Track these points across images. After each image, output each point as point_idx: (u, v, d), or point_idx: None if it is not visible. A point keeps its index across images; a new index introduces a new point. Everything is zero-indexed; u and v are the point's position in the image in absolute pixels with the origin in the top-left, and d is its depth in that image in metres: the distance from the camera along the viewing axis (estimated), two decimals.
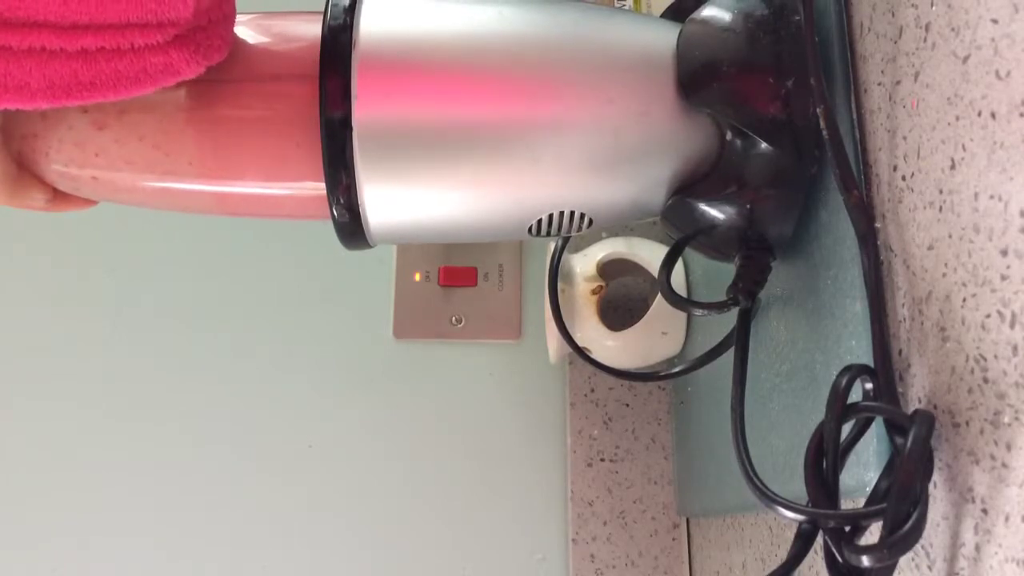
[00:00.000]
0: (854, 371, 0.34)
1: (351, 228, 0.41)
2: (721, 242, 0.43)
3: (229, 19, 0.38)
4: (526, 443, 0.81)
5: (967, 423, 0.30)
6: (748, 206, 0.41)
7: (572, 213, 0.42)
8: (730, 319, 0.48)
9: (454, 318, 0.84)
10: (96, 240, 0.86)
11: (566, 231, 0.43)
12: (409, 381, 0.83)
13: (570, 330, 0.68)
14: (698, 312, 0.49)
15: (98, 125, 0.38)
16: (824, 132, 0.37)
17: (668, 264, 0.46)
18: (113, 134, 0.39)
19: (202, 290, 0.85)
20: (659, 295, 0.71)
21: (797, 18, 0.39)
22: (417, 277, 0.84)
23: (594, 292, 0.71)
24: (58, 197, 0.41)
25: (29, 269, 0.86)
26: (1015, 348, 0.28)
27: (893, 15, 0.36)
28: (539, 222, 0.42)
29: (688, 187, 0.42)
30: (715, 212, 0.42)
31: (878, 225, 0.37)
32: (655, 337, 0.70)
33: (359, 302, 0.85)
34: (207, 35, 0.36)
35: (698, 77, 0.40)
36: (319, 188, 0.40)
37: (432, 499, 0.80)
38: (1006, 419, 0.28)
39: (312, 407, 0.82)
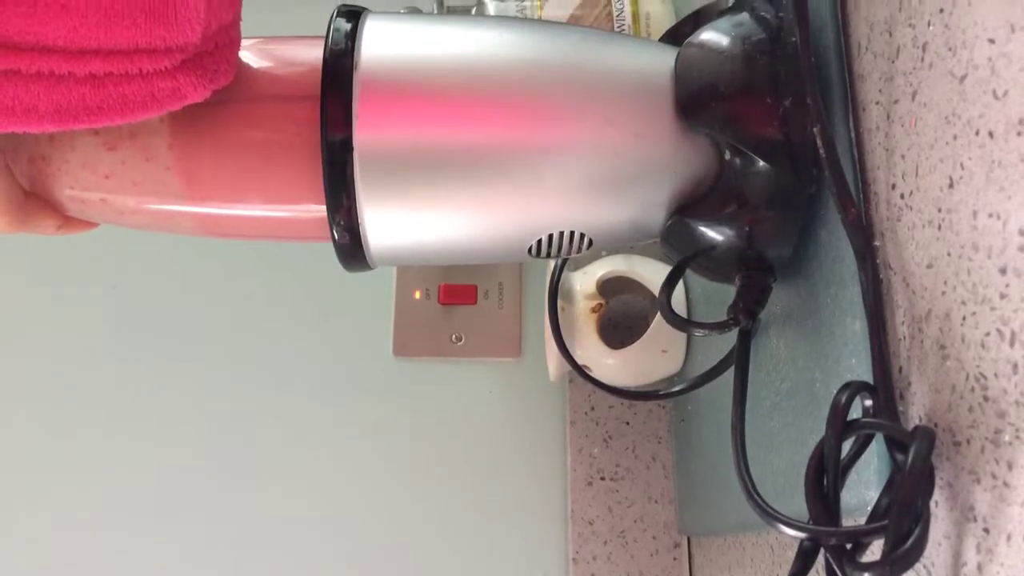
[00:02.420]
0: (854, 388, 0.34)
1: (351, 250, 0.41)
2: (721, 263, 0.43)
3: (235, 43, 0.39)
4: (526, 461, 0.81)
5: (968, 441, 0.30)
6: (747, 226, 0.42)
7: (572, 234, 0.42)
8: (730, 338, 0.48)
9: (454, 336, 0.84)
10: (98, 256, 0.86)
11: (566, 252, 0.43)
12: (409, 399, 0.83)
13: (570, 348, 0.68)
14: (699, 333, 0.49)
15: (108, 146, 0.39)
16: (821, 151, 0.38)
17: (669, 285, 0.46)
18: (121, 155, 0.39)
19: (203, 307, 0.85)
20: (659, 313, 0.71)
21: (793, 39, 0.40)
22: (417, 295, 0.84)
23: (594, 310, 0.71)
24: (66, 221, 0.42)
25: (30, 279, 0.86)
26: (1015, 366, 0.28)
27: (890, 35, 0.36)
28: (539, 243, 0.42)
29: (687, 207, 0.42)
30: (714, 232, 0.42)
31: (877, 243, 0.37)
32: (655, 355, 0.70)
33: (359, 320, 0.85)
34: (214, 59, 0.36)
35: (696, 98, 0.41)
36: (320, 210, 0.40)
37: (432, 518, 0.80)
38: (1007, 438, 0.28)
39: (312, 425, 0.82)
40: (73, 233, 0.43)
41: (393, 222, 0.40)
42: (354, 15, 0.41)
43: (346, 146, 0.38)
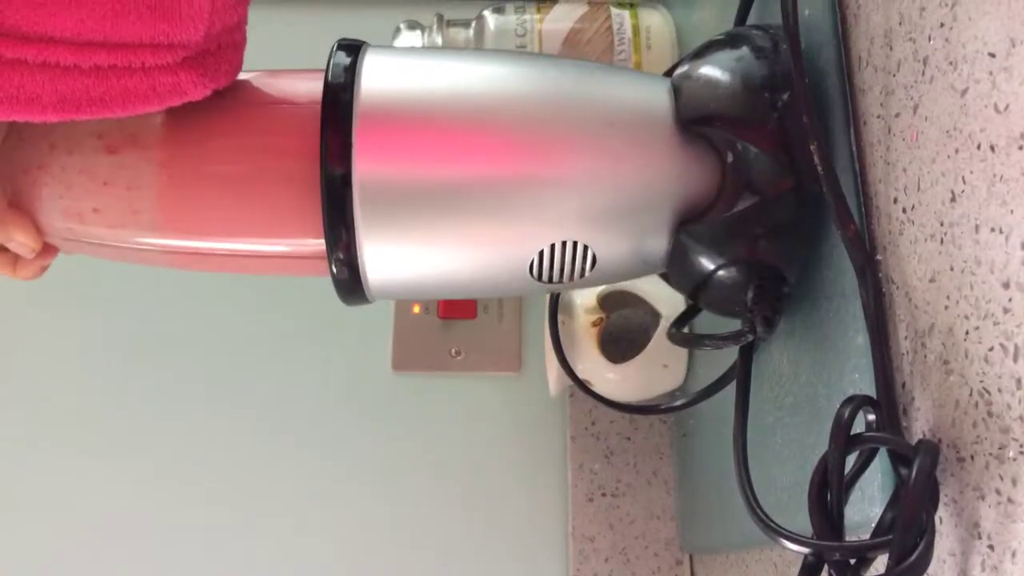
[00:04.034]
0: (857, 401, 0.34)
1: (350, 285, 0.41)
2: (731, 277, 0.43)
3: (239, 47, 0.39)
4: (526, 477, 0.81)
5: (972, 457, 0.30)
6: (754, 230, 0.41)
7: (575, 250, 0.41)
8: (732, 352, 0.48)
9: (453, 350, 0.83)
10: (96, 271, 0.86)
11: (568, 276, 0.42)
12: (408, 414, 0.83)
13: (570, 362, 0.67)
14: (711, 346, 0.47)
15: (110, 149, 0.39)
16: (818, 167, 0.38)
17: (681, 321, 0.45)
18: (120, 158, 0.39)
19: (201, 321, 0.85)
20: (660, 327, 0.70)
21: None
22: (416, 309, 0.84)
23: (594, 324, 0.71)
24: (44, 248, 0.41)
25: (29, 298, 0.86)
26: (1019, 382, 0.28)
27: (891, 49, 0.36)
28: (540, 260, 0.41)
29: (690, 223, 0.42)
30: (722, 241, 0.42)
31: (879, 257, 0.37)
32: (656, 369, 0.70)
33: (358, 335, 0.84)
34: (216, 60, 0.37)
35: (698, 115, 0.41)
36: (318, 245, 0.39)
37: (431, 534, 0.79)
38: (1011, 453, 0.28)
39: (310, 439, 0.82)
40: (45, 262, 0.42)
41: (393, 256, 0.40)
42: (354, 49, 0.41)
43: (345, 180, 0.38)
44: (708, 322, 0.63)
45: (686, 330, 0.51)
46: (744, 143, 0.40)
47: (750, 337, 0.43)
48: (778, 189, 0.40)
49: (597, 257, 0.42)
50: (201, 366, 0.84)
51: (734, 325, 0.44)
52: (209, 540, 0.79)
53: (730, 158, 0.41)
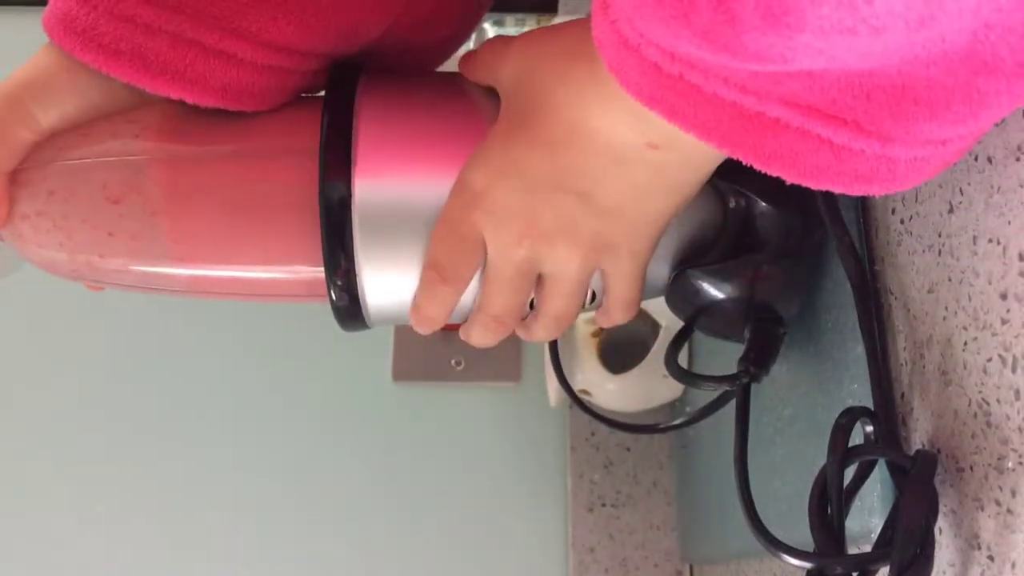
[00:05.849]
0: (854, 414, 0.34)
1: (350, 311, 0.40)
2: (729, 314, 0.42)
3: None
4: (526, 488, 0.81)
5: (971, 468, 0.30)
6: (754, 274, 0.41)
7: None
8: (733, 362, 0.48)
9: (454, 360, 0.83)
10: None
11: None
12: (408, 424, 0.83)
13: (571, 372, 0.67)
14: (707, 387, 0.47)
15: (112, 199, 0.38)
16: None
17: (676, 344, 0.45)
18: (122, 209, 0.38)
19: (199, 331, 0.85)
20: (659, 337, 0.70)
21: None
22: None
23: (594, 334, 0.71)
24: None
25: (32, 308, 0.86)
26: (1017, 392, 0.28)
27: None
28: None
29: (692, 259, 0.41)
30: (721, 283, 0.41)
31: (878, 268, 0.37)
32: (656, 380, 0.70)
33: (358, 345, 0.84)
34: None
35: None
36: (317, 272, 0.39)
37: (431, 545, 0.79)
38: (1010, 464, 0.28)
39: (310, 449, 0.82)
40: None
41: (393, 281, 0.39)
42: (352, 71, 0.41)
43: (344, 203, 0.38)
44: (702, 339, 0.63)
45: (685, 366, 0.51)
46: (746, 191, 0.40)
47: (745, 380, 0.43)
48: (781, 230, 0.40)
49: (596, 293, 0.41)
50: (201, 376, 0.84)
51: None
52: (209, 548, 0.79)
53: (732, 203, 0.40)
